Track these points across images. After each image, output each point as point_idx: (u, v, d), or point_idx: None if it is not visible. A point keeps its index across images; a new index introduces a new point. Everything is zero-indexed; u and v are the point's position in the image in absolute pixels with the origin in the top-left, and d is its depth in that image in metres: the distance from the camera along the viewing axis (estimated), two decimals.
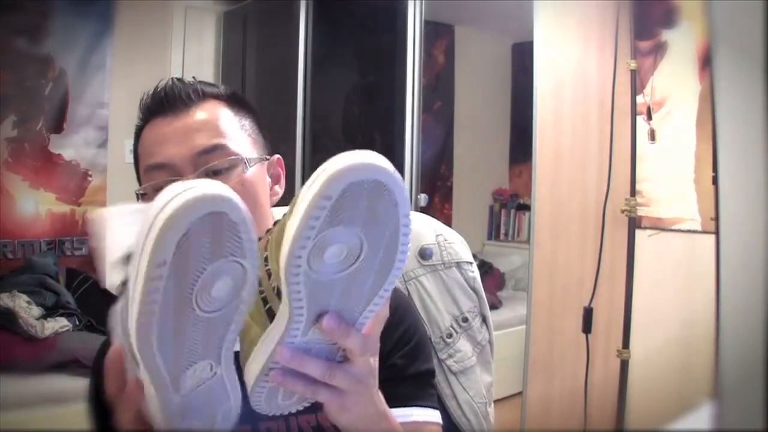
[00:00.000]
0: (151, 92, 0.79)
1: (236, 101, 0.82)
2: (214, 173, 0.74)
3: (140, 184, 0.80)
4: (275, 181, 0.84)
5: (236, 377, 0.58)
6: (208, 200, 0.50)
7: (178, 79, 0.80)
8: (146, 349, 0.51)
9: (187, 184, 0.50)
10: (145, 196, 0.76)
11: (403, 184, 0.53)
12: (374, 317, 0.58)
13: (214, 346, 0.54)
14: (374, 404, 0.62)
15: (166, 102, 0.77)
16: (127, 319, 0.53)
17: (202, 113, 0.77)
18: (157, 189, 0.73)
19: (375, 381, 0.62)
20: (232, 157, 0.76)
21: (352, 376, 0.58)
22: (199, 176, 0.72)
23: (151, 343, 0.51)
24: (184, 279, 0.50)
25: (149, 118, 0.79)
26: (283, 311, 0.56)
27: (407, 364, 0.81)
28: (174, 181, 0.72)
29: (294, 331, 0.56)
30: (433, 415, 0.81)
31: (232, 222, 0.51)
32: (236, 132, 0.79)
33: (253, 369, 0.59)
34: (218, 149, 0.75)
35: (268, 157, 0.83)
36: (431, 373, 0.85)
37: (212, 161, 0.74)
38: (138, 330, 0.50)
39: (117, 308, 0.56)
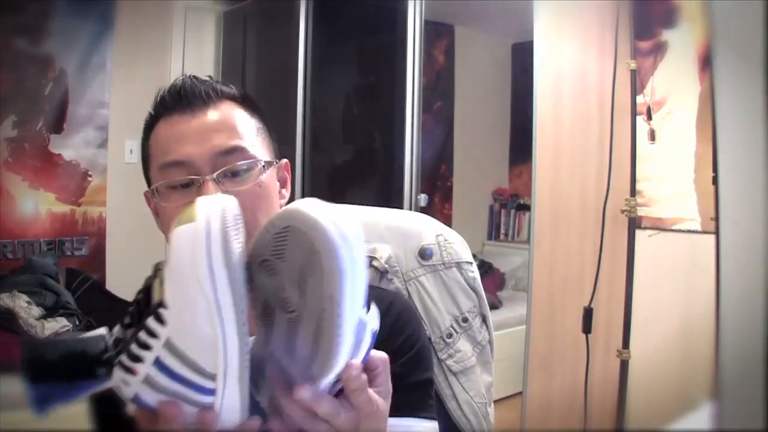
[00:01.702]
0: (167, 88, 0.78)
1: (250, 103, 0.82)
2: (233, 174, 0.74)
3: (147, 181, 0.80)
4: (282, 184, 0.84)
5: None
6: (218, 214, 0.57)
7: (195, 77, 0.79)
8: (236, 372, 0.56)
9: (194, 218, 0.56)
10: (158, 194, 0.76)
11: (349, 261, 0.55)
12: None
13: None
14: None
15: (185, 99, 0.76)
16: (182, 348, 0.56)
17: (220, 113, 0.77)
18: (173, 187, 0.74)
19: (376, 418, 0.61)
20: (251, 160, 0.76)
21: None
22: (217, 177, 0.73)
23: (238, 368, 0.56)
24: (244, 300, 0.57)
25: (164, 114, 0.77)
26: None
27: (407, 372, 0.81)
28: (191, 179, 0.73)
29: (254, 341, 0.59)
30: (433, 428, 0.81)
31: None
32: (252, 134, 0.79)
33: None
34: (237, 151, 0.75)
35: (278, 160, 0.83)
36: (431, 383, 0.86)
37: (231, 162, 0.74)
38: (232, 359, 0.55)
39: (138, 376, 0.57)
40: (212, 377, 0.55)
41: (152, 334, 0.56)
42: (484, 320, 1.05)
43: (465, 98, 4.00)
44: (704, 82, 2.12)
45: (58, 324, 2.20)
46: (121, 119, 2.79)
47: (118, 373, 0.57)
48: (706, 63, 2.10)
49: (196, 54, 3.08)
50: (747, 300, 0.37)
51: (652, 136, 2.26)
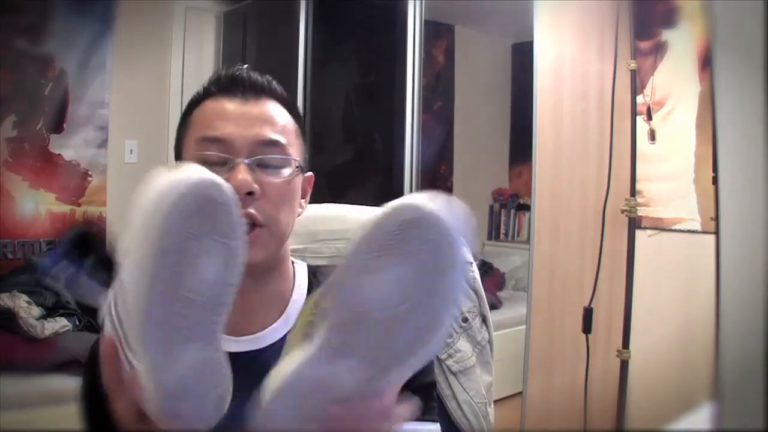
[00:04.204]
0: (224, 72, 0.81)
1: (295, 110, 0.84)
2: (265, 166, 0.76)
3: (178, 155, 0.81)
4: (302, 195, 0.85)
5: (228, 367, 0.59)
6: (197, 183, 0.52)
7: (252, 70, 0.81)
8: (140, 333, 0.52)
9: (177, 171, 0.52)
10: None
11: (463, 245, 0.53)
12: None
13: (204, 328, 0.56)
14: None
15: (240, 84, 0.78)
16: (120, 306, 0.54)
17: (268, 107, 0.79)
18: (205, 162, 0.73)
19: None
20: (286, 156, 0.78)
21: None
22: (250, 164, 0.74)
23: (144, 326, 0.52)
24: (175, 261, 0.52)
25: (216, 94, 0.79)
26: (318, 335, 0.57)
27: (413, 376, 0.81)
28: (224, 158, 0.74)
29: (318, 355, 0.56)
30: (436, 431, 0.81)
31: (220, 203, 0.53)
32: (292, 136, 0.81)
33: (274, 379, 0.59)
34: (276, 145, 0.77)
35: (306, 171, 0.85)
36: (434, 386, 0.86)
37: (268, 153, 0.76)
38: (132, 314, 0.52)
39: (109, 296, 0.57)
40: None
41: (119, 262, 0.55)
42: (484, 320, 1.05)
43: (465, 98, 4.00)
44: (704, 82, 2.12)
45: (58, 324, 2.20)
46: (121, 119, 2.79)
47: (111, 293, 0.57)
48: (706, 63, 2.10)
49: (196, 54, 3.08)
50: (747, 300, 0.37)
51: (652, 136, 2.26)
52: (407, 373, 0.55)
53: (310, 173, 0.86)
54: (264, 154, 0.76)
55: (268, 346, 0.79)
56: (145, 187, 0.53)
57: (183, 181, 0.51)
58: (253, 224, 0.74)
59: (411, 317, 0.53)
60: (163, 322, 0.53)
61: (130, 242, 0.53)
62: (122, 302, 0.54)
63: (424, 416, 0.80)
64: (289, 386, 0.57)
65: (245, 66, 0.81)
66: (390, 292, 0.53)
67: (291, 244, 0.86)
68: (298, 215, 0.84)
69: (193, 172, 0.53)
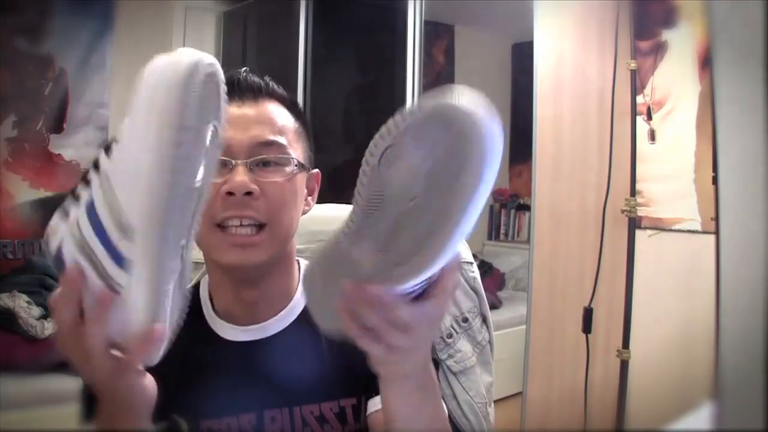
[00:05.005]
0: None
1: (296, 108, 0.84)
2: (264, 165, 0.77)
3: None
4: (309, 193, 0.86)
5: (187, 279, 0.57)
6: (206, 63, 0.51)
7: (250, 72, 0.82)
8: (158, 230, 0.49)
9: (171, 55, 0.50)
10: None
11: (497, 140, 0.49)
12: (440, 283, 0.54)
13: (188, 222, 0.53)
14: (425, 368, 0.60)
15: (237, 89, 0.79)
16: (109, 217, 0.50)
17: (266, 108, 0.80)
18: None
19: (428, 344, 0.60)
20: (285, 155, 0.78)
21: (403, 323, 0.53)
22: (250, 165, 0.75)
23: (163, 222, 0.49)
24: (191, 147, 0.50)
25: None
26: (349, 215, 0.56)
27: None
28: (225, 161, 0.74)
29: (345, 233, 0.55)
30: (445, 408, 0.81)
31: (218, 83, 0.52)
32: (292, 135, 0.81)
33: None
34: (275, 145, 0.78)
35: (311, 169, 0.85)
36: (437, 364, 0.86)
37: (266, 154, 0.77)
38: (148, 205, 0.48)
39: (70, 219, 0.52)
40: (130, 233, 0.50)
41: (96, 166, 0.51)
42: (484, 320, 1.05)
43: None
44: (704, 82, 2.12)
45: None
46: (121, 119, 2.77)
47: (54, 218, 0.52)
48: (706, 63, 2.10)
49: None
50: (747, 300, 0.37)
51: (652, 136, 2.26)
52: (416, 276, 0.51)
53: (315, 170, 0.87)
54: (262, 154, 0.77)
55: (274, 335, 0.80)
56: (147, 75, 0.50)
57: (196, 62, 0.50)
58: (255, 225, 0.74)
59: (424, 211, 0.50)
60: (180, 216, 0.50)
61: (144, 126, 0.49)
62: (112, 210, 0.49)
63: None
64: (325, 254, 0.57)
65: (243, 69, 0.82)
66: (408, 180, 0.51)
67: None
68: (305, 213, 0.84)
69: (196, 53, 0.51)
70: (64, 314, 0.54)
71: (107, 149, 0.52)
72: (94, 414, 0.64)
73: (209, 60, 0.52)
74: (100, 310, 0.52)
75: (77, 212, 0.51)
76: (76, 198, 0.51)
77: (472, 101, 0.50)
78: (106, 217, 0.50)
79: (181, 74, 0.49)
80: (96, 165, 0.51)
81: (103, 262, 0.51)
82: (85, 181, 0.51)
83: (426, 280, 0.53)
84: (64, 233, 0.52)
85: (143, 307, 0.52)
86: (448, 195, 0.49)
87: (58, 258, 0.52)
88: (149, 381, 0.61)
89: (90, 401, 0.71)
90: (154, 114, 0.48)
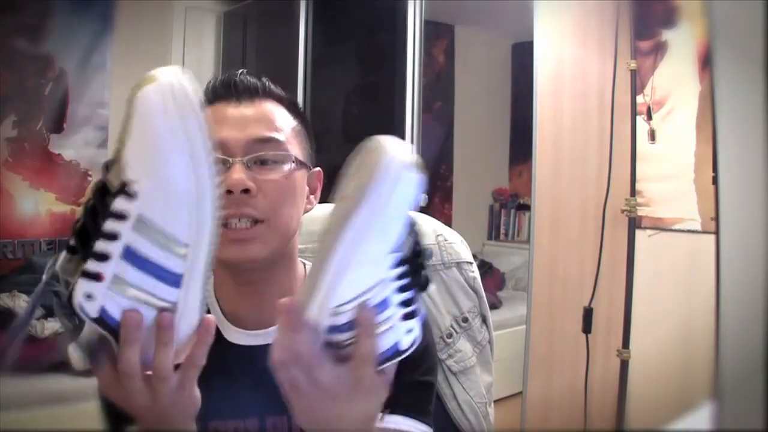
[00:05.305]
0: (219, 79, 0.82)
1: (294, 107, 0.85)
2: (262, 162, 0.77)
3: None
4: (312, 191, 0.86)
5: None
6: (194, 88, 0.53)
7: (247, 73, 0.83)
8: (206, 232, 0.53)
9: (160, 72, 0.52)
10: None
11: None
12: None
13: (216, 222, 0.57)
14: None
15: (234, 90, 0.80)
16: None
17: (263, 107, 0.81)
18: None
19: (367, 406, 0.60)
20: (283, 152, 0.78)
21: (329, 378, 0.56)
22: (247, 162, 0.76)
23: (209, 224, 0.53)
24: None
25: (212, 101, 0.81)
26: None
27: (405, 370, 0.80)
28: (222, 160, 0.75)
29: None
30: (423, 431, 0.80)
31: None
32: (289, 133, 0.81)
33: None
34: (272, 142, 0.78)
35: (312, 167, 0.86)
36: (430, 386, 0.84)
37: (263, 151, 0.77)
38: (197, 216, 0.52)
39: (106, 278, 0.52)
40: (184, 248, 0.52)
41: (120, 216, 0.51)
42: (484, 320, 1.05)
43: (465, 98, 4.00)
44: (704, 82, 2.12)
45: (58, 324, 2.20)
46: (121, 119, 2.79)
47: (81, 288, 0.53)
48: (706, 63, 2.10)
49: (196, 54, 3.07)
50: (747, 300, 0.37)
51: (652, 136, 2.26)
52: (318, 289, 0.54)
53: (317, 169, 0.87)
54: (259, 152, 0.77)
55: None
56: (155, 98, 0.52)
57: (193, 89, 0.52)
58: (252, 221, 0.75)
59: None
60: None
61: (161, 156, 0.51)
62: (155, 239, 0.52)
63: (411, 414, 0.80)
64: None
65: (240, 71, 0.82)
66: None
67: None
68: (307, 211, 0.84)
69: (166, 74, 0.52)
70: (134, 362, 0.55)
71: (124, 193, 0.52)
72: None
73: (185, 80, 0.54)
74: (164, 334, 0.54)
75: (112, 268, 0.52)
76: (102, 258, 0.52)
77: (400, 148, 0.54)
78: (150, 248, 0.52)
79: (195, 95, 0.52)
80: (114, 215, 0.52)
81: (156, 293, 0.53)
82: (107, 236, 0.52)
83: (347, 325, 0.55)
84: (103, 293, 0.53)
85: (198, 308, 0.55)
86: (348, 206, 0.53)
87: (104, 319, 0.54)
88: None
89: (116, 422, 0.70)
90: (190, 133, 0.51)
